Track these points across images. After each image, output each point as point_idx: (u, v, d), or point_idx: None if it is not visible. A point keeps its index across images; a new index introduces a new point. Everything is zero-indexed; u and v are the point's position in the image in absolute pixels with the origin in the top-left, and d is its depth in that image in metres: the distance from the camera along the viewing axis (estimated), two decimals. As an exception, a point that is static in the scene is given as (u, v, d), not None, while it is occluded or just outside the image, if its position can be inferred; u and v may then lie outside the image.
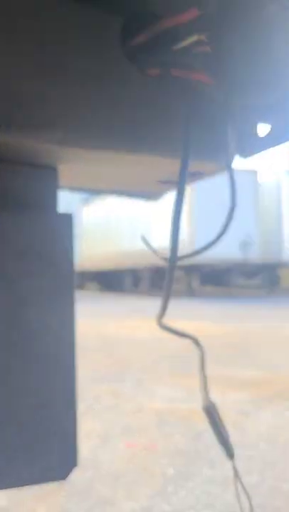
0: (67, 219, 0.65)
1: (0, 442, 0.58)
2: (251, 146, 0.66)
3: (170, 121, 0.63)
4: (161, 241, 17.59)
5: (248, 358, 5.53)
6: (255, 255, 17.32)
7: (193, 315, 11.36)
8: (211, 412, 0.58)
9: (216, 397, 3.83)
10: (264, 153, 0.71)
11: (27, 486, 0.60)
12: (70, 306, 0.65)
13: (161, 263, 17.39)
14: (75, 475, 2.39)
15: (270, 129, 0.63)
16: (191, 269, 18.72)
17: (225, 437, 0.59)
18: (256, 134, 0.65)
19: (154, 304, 15.47)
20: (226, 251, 16.33)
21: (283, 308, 13.08)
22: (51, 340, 0.64)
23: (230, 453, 0.60)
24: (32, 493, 2.20)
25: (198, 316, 11.11)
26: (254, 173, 17.93)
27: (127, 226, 20.34)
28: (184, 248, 15.54)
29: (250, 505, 0.60)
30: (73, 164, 0.66)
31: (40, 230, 0.61)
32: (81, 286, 25.33)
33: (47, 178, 0.66)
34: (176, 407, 3.56)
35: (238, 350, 6.10)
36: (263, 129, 0.67)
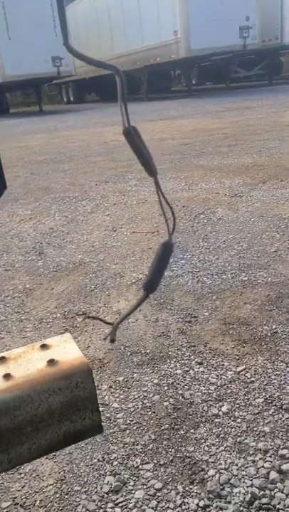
0: None
1: None
2: None
3: None
4: (153, 39, 16.18)
5: (245, 147, 5.62)
6: (256, 41, 15.96)
7: (192, 113, 11.11)
8: (131, 135, 0.65)
9: (212, 185, 4.07)
10: None
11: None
12: None
13: (157, 61, 16.25)
14: (88, 259, 2.75)
15: None
16: (188, 65, 17.56)
17: (146, 157, 0.68)
18: None
19: (152, 107, 14.97)
20: (225, 39, 15.05)
21: (284, 96, 12.61)
22: None
23: (152, 171, 0.69)
24: (50, 276, 2.57)
25: (197, 113, 10.86)
26: None
27: (117, 27, 18.47)
28: (179, 40, 14.34)
29: (174, 217, 0.70)
30: None
31: None
32: (80, 100, 24.18)
33: None
34: (178, 197, 3.83)
35: (235, 140, 6.16)
36: None
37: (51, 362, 0.65)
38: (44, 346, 0.70)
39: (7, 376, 0.63)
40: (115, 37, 19.13)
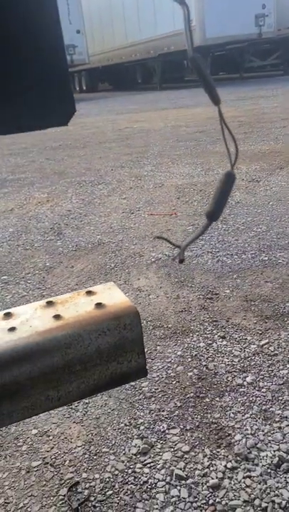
0: None
1: None
2: None
3: None
4: (167, 27, 16.02)
5: (261, 134, 5.59)
6: (271, 29, 15.75)
7: (206, 101, 11.03)
8: (197, 63, 0.67)
9: (229, 170, 4.05)
10: None
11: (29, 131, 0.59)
12: None
13: (171, 50, 16.13)
14: (106, 239, 2.77)
15: None
16: (203, 54, 17.39)
17: (211, 86, 0.69)
18: None
19: (166, 96, 14.88)
20: (240, 27, 14.88)
21: (300, 86, 12.48)
22: None
23: (216, 100, 0.71)
24: (69, 255, 2.59)
25: (210, 102, 10.78)
26: None
27: (131, 15, 18.33)
28: (194, 28, 14.13)
29: (236, 148, 0.70)
30: None
31: None
32: (93, 88, 24.10)
33: None
34: (194, 182, 3.82)
35: (251, 128, 6.12)
36: None
37: (99, 305, 0.67)
38: (90, 293, 0.71)
39: (57, 317, 0.65)
40: (128, 25, 18.99)
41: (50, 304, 0.69)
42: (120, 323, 0.65)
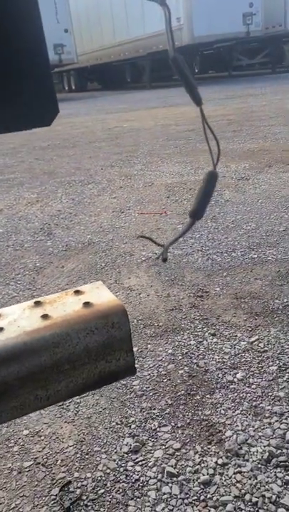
0: None
1: None
2: None
3: None
4: (156, 26, 16.01)
5: (250, 132, 5.61)
6: (259, 28, 15.81)
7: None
8: (178, 63, 0.67)
9: (218, 169, 4.06)
10: None
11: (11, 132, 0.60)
12: None
13: (160, 48, 16.12)
14: (97, 239, 2.77)
15: None
16: (191, 52, 17.43)
17: (192, 86, 0.69)
18: None
19: (155, 95, 14.89)
20: (228, 26, 14.92)
21: (288, 83, 12.53)
22: None
23: (197, 100, 0.70)
24: (60, 255, 2.59)
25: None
26: None
27: (119, 14, 18.30)
28: (182, 27, 14.15)
29: (218, 147, 0.70)
30: None
31: None
32: (82, 88, 24.03)
33: None
34: (184, 180, 3.83)
35: (240, 126, 6.15)
36: None
37: (87, 304, 0.67)
38: (78, 292, 0.71)
39: (45, 316, 0.65)
40: (117, 24, 18.97)
41: (38, 304, 0.69)
42: (108, 321, 0.65)
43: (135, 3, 17.03)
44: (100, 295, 0.70)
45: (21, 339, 0.61)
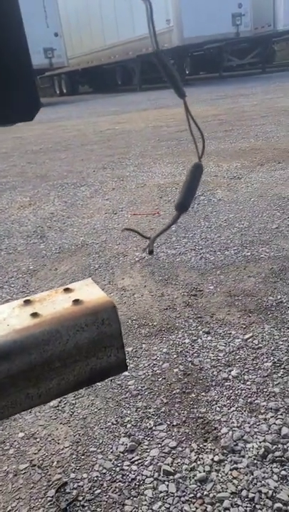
0: None
1: None
2: None
3: None
4: (145, 28, 16.02)
5: (242, 132, 5.63)
6: (248, 28, 15.88)
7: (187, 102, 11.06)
8: (161, 57, 0.67)
9: (210, 168, 4.07)
10: None
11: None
12: None
13: (150, 51, 16.13)
14: (90, 240, 2.76)
15: None
16: (181, 54, 17.49)
17: (176, 80, 0.70)
18: None
19: (146, 97, 14.91)
20: (218, 27, 14.97)
21: (279, 83, 12.59)
22: None
23: (181, 93, 0.71)
24: (53, 257, 2.58)
25: (191, 101, 10.82)
26: None
27: (109, 17, 18.32)
28: (172, 29, 14.18)
29: (203, 139, 0.71)
30: None
31: None
32: (73, 91, 24.03)
33: None
34: (176, 180, 3.84)
35: (231, 126, 6.16)
36: None
37: (76, 301, 0.67)
38: (67, 290, 0.71)
39: (35, 314, 0.65)
40: (106, 27, 19.00)
41: (27, 302, 0.69)
42: (98, 318, 0.65)
43: (124, 6, 17.07)
44: (90, 292, 0.69)
45: (11, 337, 0.60)
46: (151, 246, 0.68)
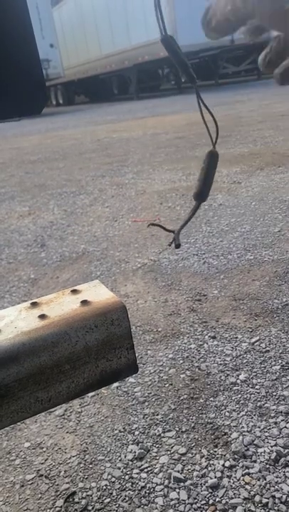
0: None
1: None
2: None
3: None
4: (141, 37, 16.17)
5: (240, 137, 5.64)
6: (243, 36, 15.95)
7: (183, 108, 11.12)
8: (170, 43, 0.66)
9: (210, 174, 4.06)
10: None
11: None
12: None
13: (146, 59, 16.26)
14: (91, 248, 2.74)
15: None
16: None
17: (186, 65, 0.68)
18: None
19: (143, 105, 14.98)
20: (212, 35, 15.02)
21: (275, 89, 12.65)
22: None
23: (191, 78, 0.69)
24: (54, 266, 2.57)
25: (188, 109, 10.88)
26: None
27: (104, 27, 18.45)
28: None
29: (216, 126, 0.69)
30: None
31: None
32: (70, 102, 24.15)
33: None
34: (176, 187, 3.83)
35: (229, 132, 6.17)
36: None
37: (84, 302, 0.65)
38: (75, 291, 0.69)
39: (42, 316, 0.63)
40: (102, 37, 19.12)
41: (34, 304, 0.67)
42: (107, 318, 0.63)
43: (119, 15, 17.20)
44: (98, 293, 0.68)
45: (19, 340, 0.59)
46: (177, 239, 0.67)
